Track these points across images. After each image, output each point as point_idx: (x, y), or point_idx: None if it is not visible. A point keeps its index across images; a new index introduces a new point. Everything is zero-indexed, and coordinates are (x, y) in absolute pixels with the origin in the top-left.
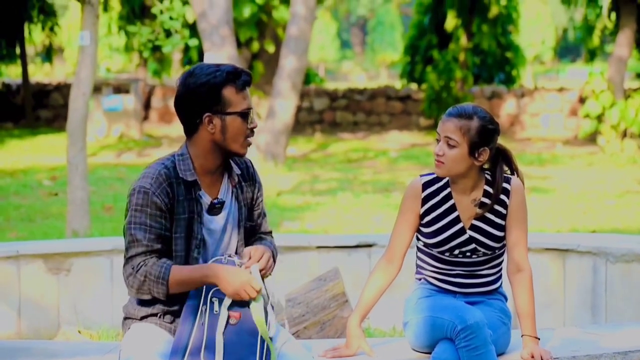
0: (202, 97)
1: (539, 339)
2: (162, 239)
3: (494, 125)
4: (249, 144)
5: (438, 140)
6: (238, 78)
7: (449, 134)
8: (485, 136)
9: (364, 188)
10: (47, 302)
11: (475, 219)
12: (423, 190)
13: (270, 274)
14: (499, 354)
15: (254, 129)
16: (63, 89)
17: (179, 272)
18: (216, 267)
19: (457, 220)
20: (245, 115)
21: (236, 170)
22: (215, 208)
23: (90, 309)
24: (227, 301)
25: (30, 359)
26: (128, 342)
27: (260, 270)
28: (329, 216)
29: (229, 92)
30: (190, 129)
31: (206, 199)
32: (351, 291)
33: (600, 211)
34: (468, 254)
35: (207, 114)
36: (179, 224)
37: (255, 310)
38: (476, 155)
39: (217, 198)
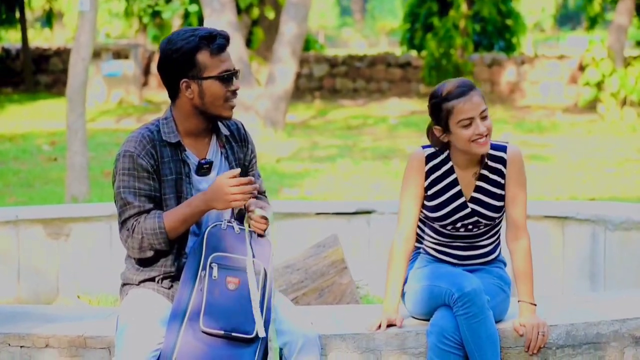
0: (177, 63)
1: (535, 305)
2: (152, 199)
3: None
4: (232, 106)
5: (469, 124)
6: (212, 42)
7: (483, 106)
8: None
9: (363, 155)
10: (46, 267)
11: (474, 191)
12: (426, 162)
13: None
14: (497, 321)
15: (236, 91)
16: (63, 54)
17: (172, 215)
18: (202, 194)
19: (459, 194)
20: (222, 78)
21: (224, 131)
22: (203, 168)
23: (89, 274)
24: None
25: (29, 324)
26: (126, 308)
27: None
28: (328, 183)
29: (203, 57)
30: (173, 94)
31: (193, 160)
32: (350, 258)
33: (599, 179)
34: (470, 227)
35: (184, 80)
36: (167, 185)
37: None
38: None
39: (205, 158)
